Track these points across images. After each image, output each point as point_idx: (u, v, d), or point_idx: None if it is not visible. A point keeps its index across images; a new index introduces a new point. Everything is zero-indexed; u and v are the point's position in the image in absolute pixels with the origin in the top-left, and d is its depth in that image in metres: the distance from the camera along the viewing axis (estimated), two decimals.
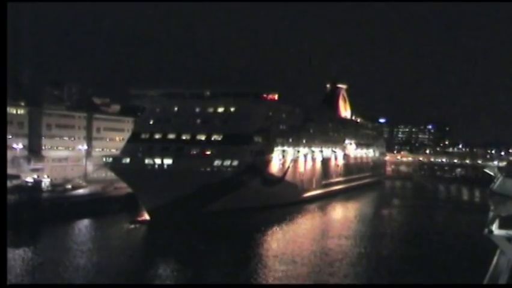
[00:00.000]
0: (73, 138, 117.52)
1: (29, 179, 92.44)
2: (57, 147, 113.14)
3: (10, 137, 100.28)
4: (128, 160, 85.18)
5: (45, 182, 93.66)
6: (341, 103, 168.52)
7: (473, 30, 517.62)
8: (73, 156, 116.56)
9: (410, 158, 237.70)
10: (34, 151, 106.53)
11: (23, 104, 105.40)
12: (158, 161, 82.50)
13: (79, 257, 59.85)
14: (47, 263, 56.98)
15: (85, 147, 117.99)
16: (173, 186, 78.17)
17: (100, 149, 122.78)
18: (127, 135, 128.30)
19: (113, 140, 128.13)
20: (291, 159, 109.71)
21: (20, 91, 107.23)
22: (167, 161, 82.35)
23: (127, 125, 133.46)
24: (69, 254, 60.94)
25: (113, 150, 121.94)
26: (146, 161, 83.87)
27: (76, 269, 55.02)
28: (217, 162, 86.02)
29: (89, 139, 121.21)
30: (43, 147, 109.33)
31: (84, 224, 79.00)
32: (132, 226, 79.51)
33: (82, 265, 56.72)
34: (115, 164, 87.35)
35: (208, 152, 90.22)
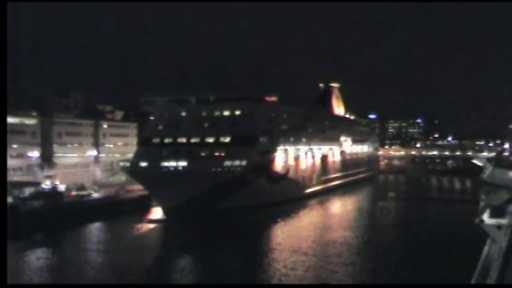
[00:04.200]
0: (81, 145, 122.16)
1: (46, 186, 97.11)
2: (67, 154, 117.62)
3: (25, 146, 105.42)
4: (145, 164, 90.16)
5: (61, 187, 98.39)
6: (335, 101, 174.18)
7: (458, 24, 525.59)
8: (82, 162, 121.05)
9: (402, 152, 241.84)
10: (46, 159, 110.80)
11: (34, 114, 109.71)
12: (173, 163, 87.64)
13: (108, 255, 64.86)
14: (81, 261, 61.62)
15: (94, 153, 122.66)
16: (187, 187, 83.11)
17: (105, 155, 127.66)
18: (131, 140, 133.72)
19: (117, 146, 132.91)
20: (293, 158, 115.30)
21: (31, 102, 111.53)
22: (182, 163, 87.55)
23: (131, 131, 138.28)
24: (98, 253, 65.90)
25: (117, 155, 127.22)
26: (162, 164, 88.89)
27: (106, 267, 59.60)
28: (227, 163, 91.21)
29: (96, 145, 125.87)
30: (54, 155, 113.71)
31: (104, 225, 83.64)
32: (150, 225, 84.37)
33: (111, 262, 61.53)
34: (132, 168, 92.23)
35: (217, 154, 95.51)
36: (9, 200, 78.13)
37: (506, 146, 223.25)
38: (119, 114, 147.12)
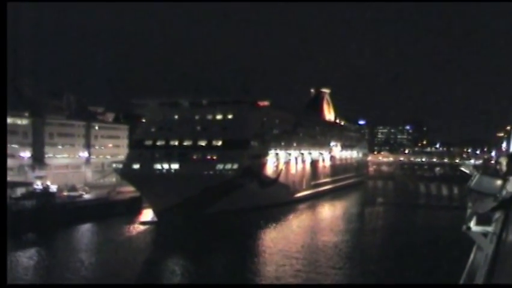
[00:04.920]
0: (72, 146, 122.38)
1: (37, 186, 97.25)
2: (58, 155, 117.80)
3: (16, 146, 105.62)
4: (138, 166, 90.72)
5: (52, 188, 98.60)
6: (325, 107, 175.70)
7: (447, 31, 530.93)
8: (73, 163, 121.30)
9: (390, 158, 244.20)
10: (37, 159, 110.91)
11: (26, 114, 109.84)
12: (165, 166, 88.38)
13: (99, 256, 65.50)
14: (73, 261, 61.97)
15: (85, 154, 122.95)
16: (180, 189, 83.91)
17: (96, 156, 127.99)
18: (122, 142, 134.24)
19: (107, 147, 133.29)
20: (284, 162, 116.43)
21: (23, 102, 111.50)
22: (174, 166, 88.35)
23: (122, 133, 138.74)
24: (90, 253, 66.49)
25: (108, 157, 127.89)
26: (154, 166, 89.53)
27: (98, 267, 60.26)
28: (218, 166, 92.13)
29: (87, 146, 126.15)
30: (46, 155, 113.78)
31: (96, 226, 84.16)
32: (142, 227, 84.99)
33: (103, 263, 62.21)
34: (125, 170, 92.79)
35: (209, 157, 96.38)
36: None
37: (493, 153, 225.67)
38: (110, 116, 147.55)
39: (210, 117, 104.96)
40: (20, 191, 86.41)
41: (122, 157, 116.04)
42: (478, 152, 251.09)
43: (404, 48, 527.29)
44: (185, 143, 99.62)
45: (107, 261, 62.79)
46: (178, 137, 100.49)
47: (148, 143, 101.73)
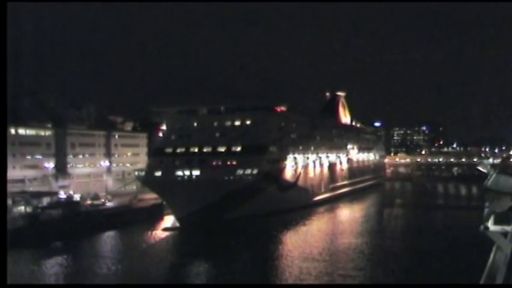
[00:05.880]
0: (93, 155, 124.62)
1: (61, 195, 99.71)
2: (80, 165, 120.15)
3: (40, 157, 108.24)
4: (159, 173, 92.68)
5: (76, 197, 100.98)
6: (341, 110, 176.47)
7: (462, 29, 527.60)
8: (95, 172, 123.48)
9: (407, 160, 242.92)
10: (60, 169, 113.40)
11: (49, 125, 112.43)
12: (187, 172, 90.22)
13: (125, 262, 67.14)
14: (99, 268, 63.71)
15: (106, 163, 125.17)
16: (201, 195, 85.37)
17: (115, 165, 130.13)
18: (141, 150, 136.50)
19: (127, 155, 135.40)
20: (302, 166, 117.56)
21: (46, 114, 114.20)
22: (195, 172, 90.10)
23: (141, 141, 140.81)
24: (115, 260, 68.06)
25: (128, 165, 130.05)
26: (176, 173, 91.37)
27: (124, 273, 61.85)
28: (238, 172, 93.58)
29: (108, 155, 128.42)
30: (68, 165, 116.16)
31: (120, 233, 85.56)
32: (165, 233, 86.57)
33: (128, 269, 63.68)
34: (147, 178, 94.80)
35: (228, 162, 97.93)
36: (29, 209, 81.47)
37: None
38: (129, 125, 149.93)
39: (228, 123, 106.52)
40: (46, 201, 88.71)
41: (141, 165, 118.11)
42: (496, 150, 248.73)
43: (419, 48, 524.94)
44: (205, 150, 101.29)
45: (132, 267, 64.35)
46: (198, 144, 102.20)
47: (169, 150, 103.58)
